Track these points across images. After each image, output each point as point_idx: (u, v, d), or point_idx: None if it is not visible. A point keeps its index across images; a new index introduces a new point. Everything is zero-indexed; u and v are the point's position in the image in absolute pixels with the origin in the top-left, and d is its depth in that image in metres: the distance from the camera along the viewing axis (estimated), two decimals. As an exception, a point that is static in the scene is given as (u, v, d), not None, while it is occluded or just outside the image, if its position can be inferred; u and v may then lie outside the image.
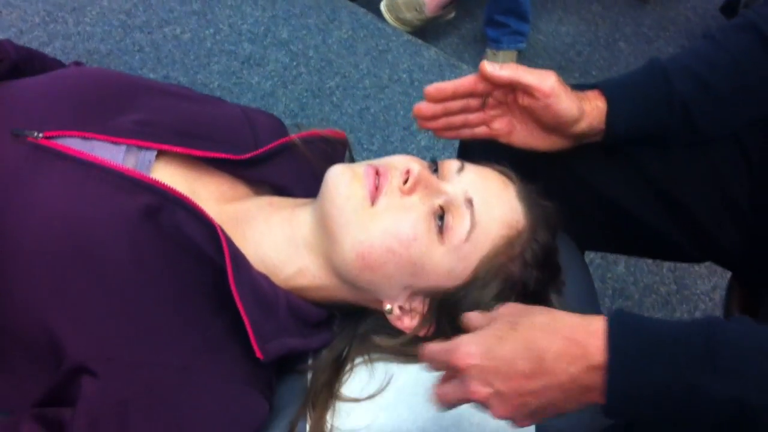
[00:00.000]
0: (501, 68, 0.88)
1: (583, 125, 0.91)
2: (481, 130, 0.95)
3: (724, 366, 0.63)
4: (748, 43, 0.93)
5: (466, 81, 0.90)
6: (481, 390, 0.68)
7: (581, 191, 1.04)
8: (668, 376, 0.64)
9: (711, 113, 0.94)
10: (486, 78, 0.89)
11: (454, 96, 0.91)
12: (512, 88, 0.90)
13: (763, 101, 0.95)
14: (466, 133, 0.95)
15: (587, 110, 0.91)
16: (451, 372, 0.71)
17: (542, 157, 0.96)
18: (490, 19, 2.41)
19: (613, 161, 1.02)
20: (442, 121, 0.93)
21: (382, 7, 2.46)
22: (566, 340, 0.67)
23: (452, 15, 2.57)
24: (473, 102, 0.92)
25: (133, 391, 0.73)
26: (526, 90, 0.89)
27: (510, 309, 0.74)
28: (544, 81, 0.88)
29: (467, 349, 0.69)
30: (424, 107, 0.92)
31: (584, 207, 1.05)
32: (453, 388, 0.71)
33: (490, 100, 0.93)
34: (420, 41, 2.28)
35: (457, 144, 1.20)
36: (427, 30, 2.51)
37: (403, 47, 2.24)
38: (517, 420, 0.70)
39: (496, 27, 2.40)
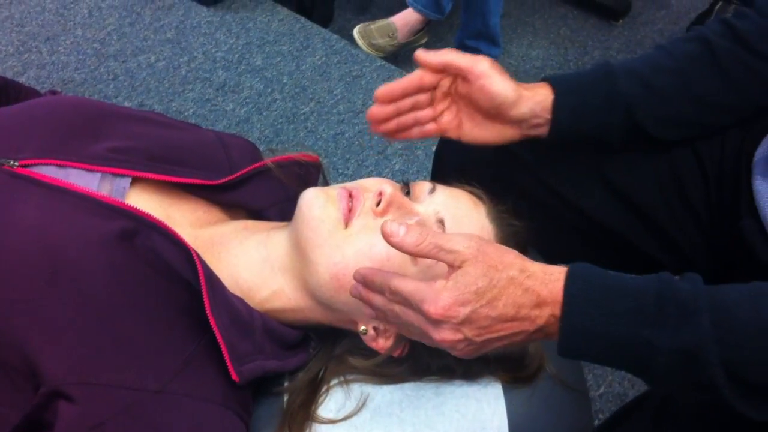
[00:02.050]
0: (435, 54, 0.90)
1: (522, 109, 0.92)
2: (430, 128, 0.96)
3: (670, 321, 0.67)
4: (696, 52, 0.96)
5: (413, 76, 0.92)
6: (451, 337, 0.71)
7: (553, 202, 1.07)
8: (619, 326, 0.68)
9: (654, 114, 0.96)
10: (422, 64, 0.90)
11: (404, 94, 0.92)
12: (453, 77, 0.92)
13: (709, 108, 0.97)
14: (416, 132, 0.95)
15: (525, 94, 0.92)
16: (417, 311, 0.72)
17: (513, 168, 0.98)
18: (461, 44, 2.44)
19: (581, 171, 1.04)
20: (394, 123, 0.93)
21: (355, 33, 2.49)
22: (533, 292, 0.70)
23: (424, 40, 2.60)
24: (422, 98, 0.93)
25: (110, 414, 0.73)
26: (461, 73, 0.90)
27: (483, 261, 0.71)
28: (476, 63, 0.90)
29: (445, 301, 0.69)
30: (376, 110, 0.92)
31: (555, 217, 1.07)
32: (419, 324, 0.72)
33: (437, 94, 0.94)
34: (393, 66, 2.31)
35: (430, 167, 1.22)
36: (399, 55, 2.54)
37: (376, 72, 2.27)
38: (470, 355, 0.74)
39: (467, 51, 2.43)
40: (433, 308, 0.69)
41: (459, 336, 0.70)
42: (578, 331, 0.69)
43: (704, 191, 1.01)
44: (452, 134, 0.97)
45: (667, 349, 0.66)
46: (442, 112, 0.95)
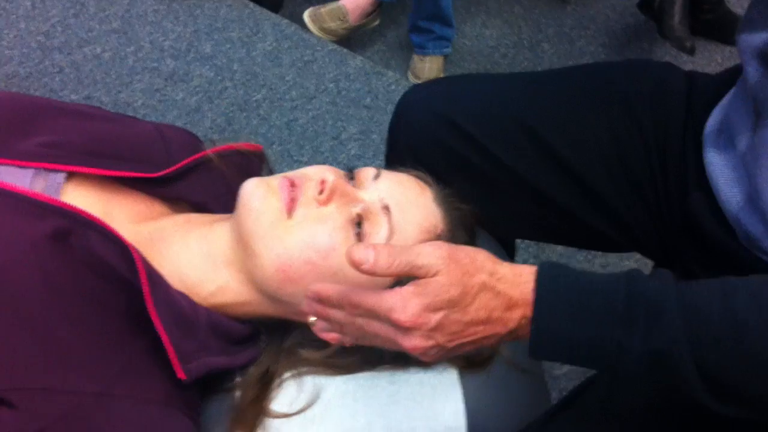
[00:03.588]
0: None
1: None
2: None
3: (640, 321, 0.66)
4: None
5: None
6: (423, 344, 0.68)
7: (502, 178, 1.05)
8: (589, 327, 0.67)
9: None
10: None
11: None
12: None
13: None
14: None
15: None
16: (384, 321, 0.69)
17: (464, 146, 0.97)
18: (414, 26, 2.42)
19: (529, 150, 1.03)
20: None
21: (306, 17, 2.46)
22: (504, 295, 0.69)
23: (376, 23, 2.58)
24: None
25: (51, 419, 0.71)
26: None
27: (455, 269, 0.68)
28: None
29: (415, 308, 0.66)
30: None
31: (505, 194, 1.06)
32: (386, 333, 0.69)
33: None
34: (345, 50, 2.28)
35: (384, 152, 1.20)
36: (352, 39, 2.51)
37: (328, 57, 2.24)
38: (441, 360, 0.73)
39: (420, 33, 2.42)
40: (404, 316, 0.66)
41: (431, 342, 0.68)
42: (549, 332, 0.68)
43: (649, 169, 1.00)
44: None
45: (638, 349, 0.66)
46: None
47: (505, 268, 0.70)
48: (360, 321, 0.70)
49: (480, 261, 0.69)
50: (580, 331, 0.67)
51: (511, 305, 0.69)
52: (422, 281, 0.67)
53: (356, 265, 0.66)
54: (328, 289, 0.71)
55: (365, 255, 0.66)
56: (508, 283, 0.69)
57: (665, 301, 0.66)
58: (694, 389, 0.65)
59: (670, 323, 0.65)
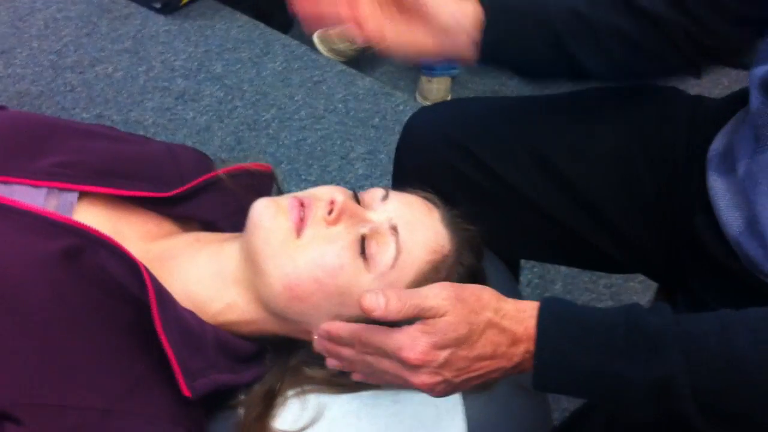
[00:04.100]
0: None
1: (444, 17, 0.89)
2: (354, 32, 0.89)
3: (640, 353, 0.67)
4: None
5: None
6: (430, 380, 0.70)
7: (510, 200, 1.06)
8: (590, 360, 0.69)
9: (583, 42, 0.93)
10: None
11: None
12: None
13: (631, 45, 0.94)
14: (337, 29, 0.89)
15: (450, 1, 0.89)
16: (393, 358, 0.71)
17: (471, 167, 0.99)
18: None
19: (535, 168, 1.04)
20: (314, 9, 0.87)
21: (315, 38, 2.48)
22: (509, 331, 0.71)
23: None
24: None
25: None
26: None
27: (462, 308, 0.71)
28: None
29: (423, 346, 0.68)
30: None
31: (513, 216, 1.07)
32: (394, 371, 0.71)
33: None
34: (354, 71, 2.31)
35: (391, 171, 1.22)
36: (360, 60, 2.53)
37: (337, 77, 2.26)
38: (447, 394, 0.74)
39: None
40: (413, 354, 0.68)
41: (438, 378, 0.70)
42: (551, 365, 0.70)
43: (656, 190, 1.01)
44: (376, 44, 0.90)
45: (638, 381, 0.67)
46: (366, 20, 0.88)
47: (509, 305, 0.72)
48: (369, 359, 0.73)
49: (485, 299, 0.72)
50: (582, 363, 0.69)
51: (515, 340, 0.71)
52: (430, 321, 0.69)
53: (368, 313, 0.68)
54: (339, 327, 0.74)
55: (376, 301, 0.68)
56: (512, 320, 0.71)
57: (664, 334, 0.68)
58: (692, 419, 0.67)
59: (668, 355, 0.67)
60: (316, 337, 0.77)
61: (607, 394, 0.71)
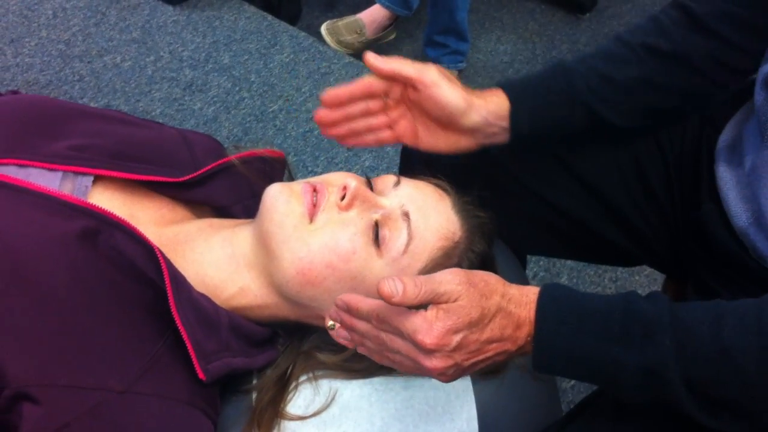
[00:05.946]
0: (384, 61, 0.89)
1: (475, 118, 0.91)
2: (385, 135, 0.94)
3: (635, 339, 0.69)
4: (652, 40, 0.96)
5: (361, 81, 0.90)
6: (443, 364, 0.71)
7: (519, 192, 1.07)
8: (587, 344, 0.70)
9: (616, 105, 0.96)
10: (371, 69, 0.89)
11: (351, 99, 0.91)
12: (403, 85, 0.91)
13: (672, 95, 0.97)
14: (371, 139, 0.94)
15: (477, 102, 0.91)
16: (408, 340, 0.72)
17: (481, 162, 0.98)
18: (429, 40, 2.44)
19: (545, 161, 1.05)
20: (345, 128, 0.92)
21: (323, 30, 2.48)
22: (514, 315, 0.73)
23: (392, 36, 2.60)
24: (374, 105, 0.92)
25: (75, 415, 0.72)
26: (409, 83, 0.89)
27: (473, 292, 0.72)
28: (423, 72, 0.88)
29: (438, 330, 0.69)
30: (323, 113, 0.91)
31: (521, 207, 1.08)
32: (407, 352, 0.72)
33: (390, 101, 0.92)
34: (361, 63, 2.29)
35: (398, 163, 1.22)
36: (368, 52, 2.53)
37: (344, 69, 2.27)
38: (456, 378, 0.75)
39: (435, 47, 2.44)
40: (429, 339, 0.69)
41: (450, 362, 0.71)
42: (549, 348, 0.72)
43: (665, 178, 1.02)
44: (409, 142, 0.96)
45: (632, 366, 0.69)
46: (397, 121, 0.94)
47: (514, 290, 0.74)
48: (384, 336, 0.73)
49: (493, 284, 0.73)
50: (579, 347, 0.71)
51: (519, 324, 0.73)
52: (445, 306, 0.70)
53: (387, 299, 0.69)
54: (360, 301, 0.74)
55: (395, 287, 0.69)
56: (517, 304, 0.73)
57: (659, 322, 0.69)
58: (684, 404, 0.68)
59: (661, 342, 0.68)
60: (333, 307, 0.77)
61: (602, 378, 0.72)
